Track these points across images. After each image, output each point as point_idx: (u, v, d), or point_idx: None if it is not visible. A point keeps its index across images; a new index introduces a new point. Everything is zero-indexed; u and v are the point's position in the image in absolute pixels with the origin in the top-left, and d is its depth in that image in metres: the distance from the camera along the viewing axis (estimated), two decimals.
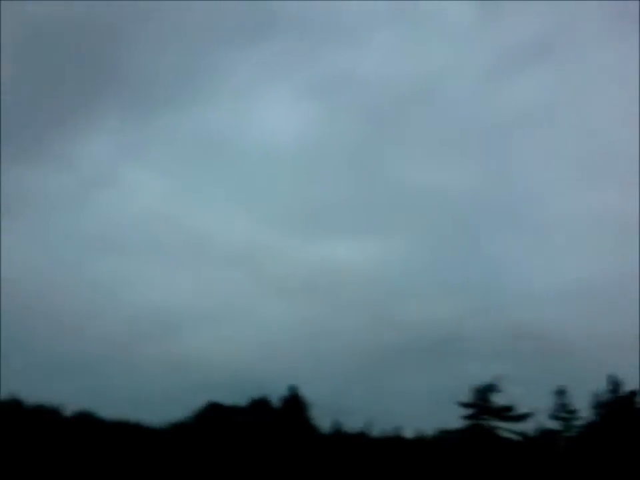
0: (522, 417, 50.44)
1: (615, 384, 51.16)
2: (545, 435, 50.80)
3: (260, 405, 50.88)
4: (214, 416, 49.29)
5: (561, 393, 51.48)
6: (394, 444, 49.42)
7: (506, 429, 50.76)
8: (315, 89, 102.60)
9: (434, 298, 75.88)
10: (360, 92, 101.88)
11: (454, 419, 51.36)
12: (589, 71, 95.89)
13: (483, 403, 51.81)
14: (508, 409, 50.94)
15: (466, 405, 51.78)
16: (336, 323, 73.82)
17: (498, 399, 50.80)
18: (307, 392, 52.04)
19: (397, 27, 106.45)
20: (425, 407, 59.15)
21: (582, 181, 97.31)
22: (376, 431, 52.04)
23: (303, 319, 78.27)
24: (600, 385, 51.17)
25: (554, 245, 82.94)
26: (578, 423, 50.88)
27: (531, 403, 50.20)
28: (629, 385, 50.72)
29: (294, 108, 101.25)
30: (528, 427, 50.37)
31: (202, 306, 78.29)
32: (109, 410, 48.68)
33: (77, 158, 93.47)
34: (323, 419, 51.51)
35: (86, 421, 47.38)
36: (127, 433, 45.76)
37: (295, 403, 51.61)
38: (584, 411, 50.86)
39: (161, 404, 53.24)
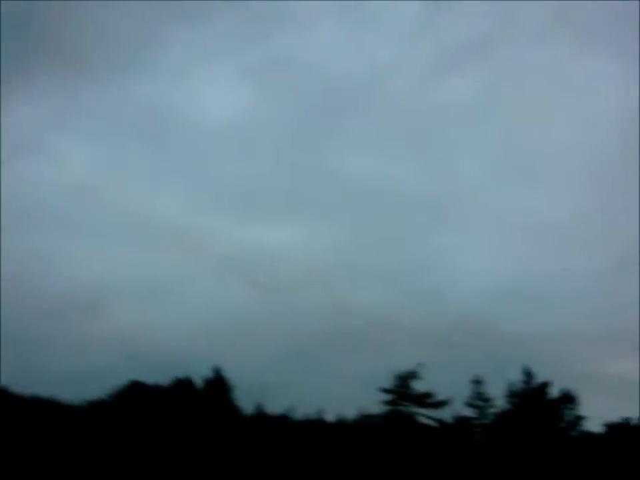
0: (440, 404, 52.02)
1: (528, 375, 53.42)
2: (461, 422, 52.52)
3: (183, 385, 50.32)
4: (135, 395, 48.44)
5: (477, 382, 53.30)
6: (315, 427, 49.99)
7: (424, 415, 52.30)
8: (256, 71, 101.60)
9: (363, 285, 77.00)
10: (301, 78, 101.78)
11: (375, 404, 52.55)
12: (525, 72, 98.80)
13: (403, 389, 53.12)
14: (427, 395, 52.42)
15: (386, 391, 52.95)
16: (265, 306, 73.89)
17: (418, 386, 52.27)
18: (231, 374, 51.86)
19: (342, 19, 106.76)
20: (347, 391, 60.10)
21: (511, 179, 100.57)
22: (298, 414, 52.55)
23: (231, 301, 78.02)
24: (515, 376, 53.40)
25: (481, 240, 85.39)
26: (493, 411, 52.89)
27: (449, 390, 51.87)
28: (542, 377, 53.14)
29: (233, 88, 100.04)
30: (445, 414, 52.07)
31: (129, 283, 76.67)
32: (28, 386, 47.14)
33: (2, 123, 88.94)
34: (246, 401, 51.51)
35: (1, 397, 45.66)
36: (43, 410, 44.36)
37: (218, 384, 51.29)
38: (499, 400, 52.97)
39: (83, 382, 51.93)
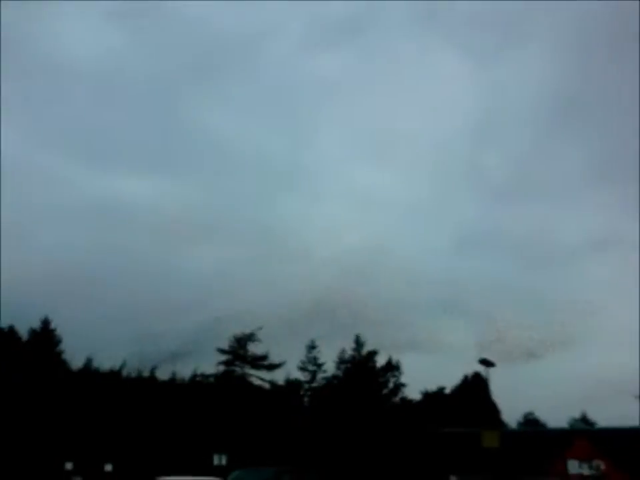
0: (274, 367, 53.45)
1: (358, 343, 56.30)
2: (292, 384, 54.29)
3: (6, 335, 47.00)
4: None
5: (311, 347, 55.36)
6: (148, 384, 49.13)
7: (258, 376, 53.48)
8: (129, 17, 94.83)
9: (209, 243, 76.18)
10: (174, 32, 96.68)
11: (211, 363, 52.76)
12: (391, 58, 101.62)
13: (239, 350, 53.83)
14: (262, 358, 53.60)
15: (223, 352, 53.39)
16: (107, 259, 70.63)
17: (254, 349, 53.24)
18: (62, 326, 49.28)
19: None
20: (182, 350, 59.53)
21: (366, 157, 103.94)
22: (130, 371, 51.30)
23: (70, 250, 73.72)
24: (347, 344, 56.01)
25: (331, 211, 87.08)
26: (323, 375, 55.24)
27: (283, 354, 53.33)
28: (370, 346, 56.24)
29: (99, 31, 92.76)
30: (278, 376, 53.59)
31: None
32: None
33: None
34: (75, 355, 49.26)
35: None
36: None
37: (45, 336, 48.57)
38: (330, 365, 55.38)
39: None
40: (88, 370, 49.58)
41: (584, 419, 56.46)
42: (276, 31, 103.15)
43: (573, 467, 32.28)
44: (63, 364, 47.99)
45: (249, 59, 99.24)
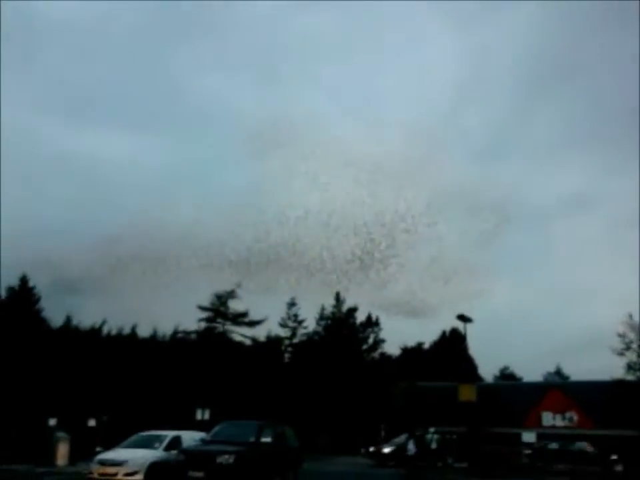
0: (254, 323, 53.89)
1: (338, 300, 56.93)
2: (273, 341, 54.89)
3: None
4: None
5: (291, 304, 55.88)
6: (128, 342, 49.32)
7: (239, 333, 53.94)
8: None
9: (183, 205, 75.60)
10: None
11: (191, 320, 53.02)
12: (376, 16, 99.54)
13: (220, 307, 54.10)
14: (243, 315, 53.96)
15: (204, 309, 53.63)
16: (84, 217, 69.97)
17: (234, 305, 53.56)
18: (39, 284, 49.01)
19: None
20: (164, 308, 59.76)
21: (349, 116, 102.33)
22: (110, 328, 51.42)
23: (47, 208, 72.94)
24: (326, 300, 56.63)
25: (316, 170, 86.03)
26: (304, 332, 55.91)
27: (263, 310, 53.77)
28: (350, 302, 56.94)
29: None
30: (259, 332, 54.11)
31: None
32: None
33: None
34: (54, 313, 49.16)
35: None
36: None
37: (23, 294, 48.30)
38: (311, 322, 56.04)
39: None
40: (67, 328, 49.57)
41: (558, 373, 58.04)
42: None
43: (547, 418, 33.27)
44: (42, 322, 47.89)
45: (231, 16, 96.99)
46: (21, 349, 39.35)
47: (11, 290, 47.74)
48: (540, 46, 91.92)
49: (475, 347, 47.02)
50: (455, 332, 53.77)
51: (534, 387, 37.05)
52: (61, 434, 28.33)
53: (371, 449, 36.06)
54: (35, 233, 62.88)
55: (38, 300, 48.50)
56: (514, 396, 35.08)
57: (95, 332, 50.00)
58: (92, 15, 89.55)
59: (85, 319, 51.11)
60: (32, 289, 48.59)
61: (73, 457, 27.73)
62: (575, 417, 32.75)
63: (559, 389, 35.08)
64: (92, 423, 32.75)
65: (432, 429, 33.84)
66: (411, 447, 25.04)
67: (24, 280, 48.38)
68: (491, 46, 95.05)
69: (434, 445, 33.37)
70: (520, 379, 58.31)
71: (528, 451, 32.97)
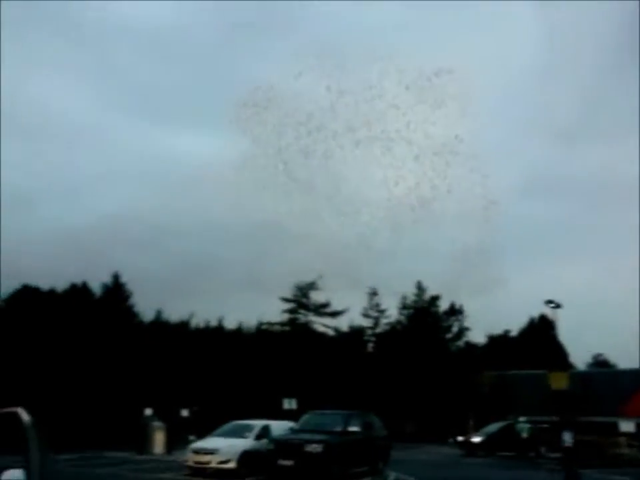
0: (337, 314, 54.17)
1: (420, 289, 56.31)
2: (356, 331, 54.97)
3: (79, 291, 48.97)
4: (27, 300, 46.60)
5: (373, 293, 55.70)
6: (215, 334, 50.59)
7: (322, 324, 54.40)
8: None
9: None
10: None
11: (274, 312, 53.82)
12: None
13: (302, 298, 54.72)
14: (324, 305, 54.36)
15: (286, 300, 54.37)
16: (168, 214, 71.83)
17: (316, 296, 54.02)
18: (131, 280, 50.92)
19: None
20: (248, 300, 60.83)
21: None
22: (198, 321, 52.83)
23: (132, 205, 75.43)
24: (408, 289, 56.09)
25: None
26: (387, 321, 55.70)
27: (345, 301, 53.90)
28: (432, 291, 56.17)
29: None
30: (341, 323, 54.35)
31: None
32: None
33: None
34: (145, 308, 51.00)
35: None
36: None
37: (116, 290, 50.38)
38: (393, 311, 55.72)
39: None
40: (158, 322, 51.37)
41: None
42: None
43: None
44: (135, 317, 49.88)
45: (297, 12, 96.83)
46: (116, 344, 41.12)
47: (105, 287, 49.94)
48: (628, 22, 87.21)
49: (565, 334, 45.40)
50: (543, 318, 52.09)
51: (631, 374, 35.48)
52: (157, 423, 29.53)
53: (460, 439, 35.54)
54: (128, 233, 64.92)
55: (129, 296, 50.53)
56: (609, 384, 33.77)
57: (183, 325, 51.59)
58: (169, 19, 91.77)
59: (174, 313, 52.77)
60: (123, 285, 50.65)
61: (169, 445, 28.86)
62: None
63: None
64: (184, 413, 33.90)
65: (522, 418, 33.03)
66: (568, 437, 20.59)
67: (116, 277, 50.50)
68: (575, 23, 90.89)
69: (525, 435, 32.54)
70: (613, 366, 55.95)
71: (630, 442, 31.40)
